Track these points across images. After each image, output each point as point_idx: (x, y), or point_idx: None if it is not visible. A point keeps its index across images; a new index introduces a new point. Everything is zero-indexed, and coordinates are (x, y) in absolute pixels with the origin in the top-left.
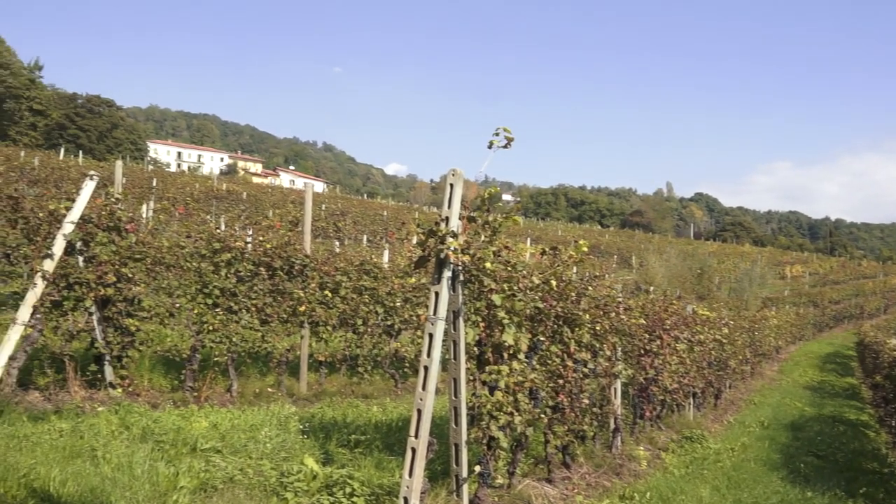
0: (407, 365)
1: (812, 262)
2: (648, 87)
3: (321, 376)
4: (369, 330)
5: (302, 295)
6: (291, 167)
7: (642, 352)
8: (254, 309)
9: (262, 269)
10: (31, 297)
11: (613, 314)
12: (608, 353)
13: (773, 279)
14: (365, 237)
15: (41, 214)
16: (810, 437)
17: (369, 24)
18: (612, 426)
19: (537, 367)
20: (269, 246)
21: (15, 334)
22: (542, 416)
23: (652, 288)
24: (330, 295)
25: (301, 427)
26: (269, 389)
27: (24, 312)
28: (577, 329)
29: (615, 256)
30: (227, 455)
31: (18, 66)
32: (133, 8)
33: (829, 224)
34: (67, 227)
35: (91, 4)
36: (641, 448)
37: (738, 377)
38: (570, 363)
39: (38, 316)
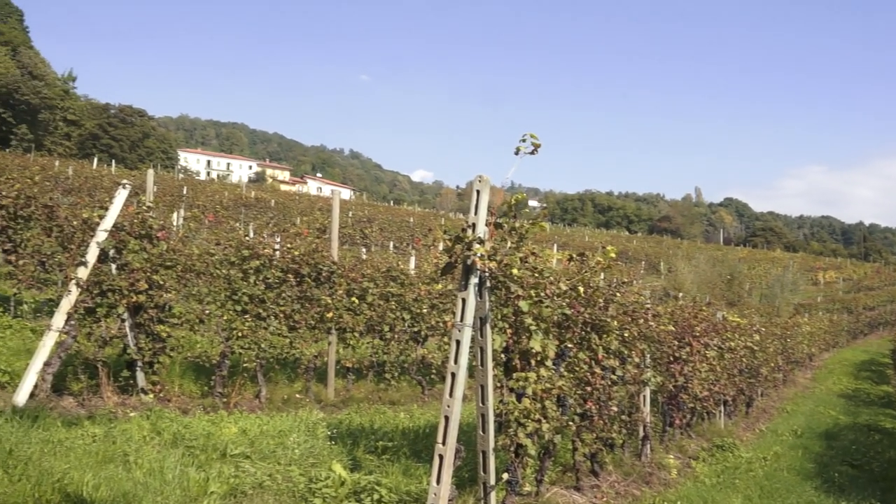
0: (434, 371)
1: (846, 268)
2: (677, 91)
3: (348, 382)
4: (396, 336)
5: (329, 301)
6: (319, 175)
7: (671, 359)
8: (282, 315)
9: (290, 275)
10: (66, 303)
11: (642, 321)
12: (637, 359)
13: (806, 285)
14: (391, 244)
15: (75, 223)
16: (845, 447)
17: (396, 31)
18: (641, 434)
19: (565, 374)
20: (296, 253)
21: (50, 340)
22: (570, 423)
23: (681, 294)
24: (357, 301)
25: (329, 433)
26: (297, 395)
27: (59, 319)
28: (605, 336)
29: (643, 262)
30: (257, 461)
31: (53, 77)
32: (165, 20)
33: (862, 229)
34: (101, 235)
35: (123, 17)
36: (671, 456)
37: (770, 385)
38: (598, 370)
39: (73, 322)
